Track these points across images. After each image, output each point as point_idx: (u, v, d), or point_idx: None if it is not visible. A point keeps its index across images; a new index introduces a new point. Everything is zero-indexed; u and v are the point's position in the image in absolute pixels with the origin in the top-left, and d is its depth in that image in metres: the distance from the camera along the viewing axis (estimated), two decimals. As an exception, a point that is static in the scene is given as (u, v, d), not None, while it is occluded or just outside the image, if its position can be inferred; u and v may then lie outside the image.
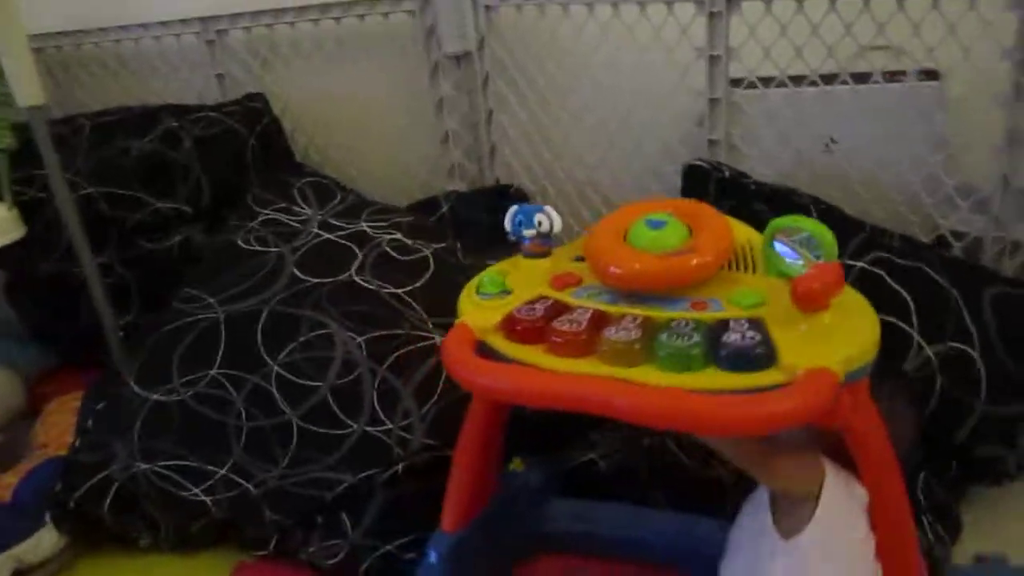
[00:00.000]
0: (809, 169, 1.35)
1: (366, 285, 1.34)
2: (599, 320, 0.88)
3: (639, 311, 0.89)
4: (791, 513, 0.91)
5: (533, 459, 1.31)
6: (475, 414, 1.11)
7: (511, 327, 0.91)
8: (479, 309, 0.95)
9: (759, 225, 0.96)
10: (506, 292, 0.97)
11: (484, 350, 0.91)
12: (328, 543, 1.23)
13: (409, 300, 1.32)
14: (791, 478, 0.91)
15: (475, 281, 1.01)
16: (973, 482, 1.22)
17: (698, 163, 1.32)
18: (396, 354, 1.26)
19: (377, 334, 1.28)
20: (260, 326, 1.30)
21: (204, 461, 1.25)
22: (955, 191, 1.29)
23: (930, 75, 1.30)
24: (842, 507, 0.91)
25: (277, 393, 1.26)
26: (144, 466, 1.26)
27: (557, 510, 1.26)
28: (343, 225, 1.44)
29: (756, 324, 0.84)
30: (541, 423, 1.31)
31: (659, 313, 0.88)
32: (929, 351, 1.17)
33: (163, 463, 1.26)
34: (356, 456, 1.22)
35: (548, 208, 1.01)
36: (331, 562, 1.24)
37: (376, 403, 1.23)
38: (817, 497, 0.90)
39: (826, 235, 0.87)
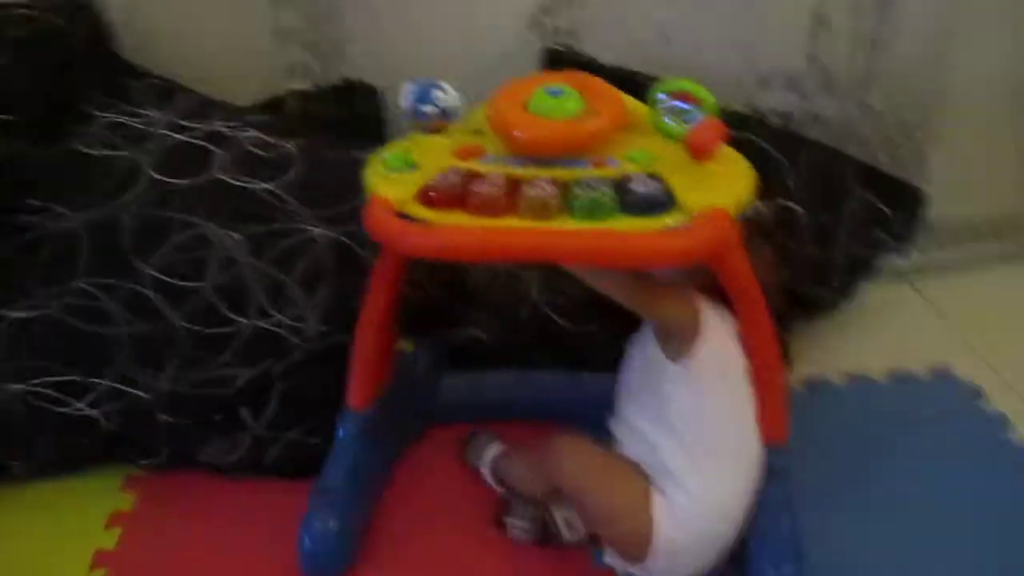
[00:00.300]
0: (645, 56, 1.47)
1: (234, 182, 1.30)
2: (513, 182, 0.95)
3: (547, 172, 0.97)
4: (679, 339, 1.04)
5: (421, 340, 1.38)
6: (377, 291, 1.15)
7: (429, 196, 0.96)
8: (391, 183, 0.99)
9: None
10: (413, 167, 1.01)
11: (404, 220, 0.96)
12: (228, 438, 1.23)
13: (281, 194, 1.31)
14: (673, 308, 1.05)
15: (379, 158, 1.03)
16: (797, 318, 1.44)
17: (556, 47, 1.40)
18: (278, 247, 1.26)
19: (254, 230, 1.26)
20: (126, 231, 1.24)
21: (85, 374, 1.19)
22: (769, 72, 1.48)
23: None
24: (721, 328, 1.06)
25: (155, 297, 1.22)
26: (16, 387, 1.18)
27: (449, 383, 1.34)
28: (195, 126, 1.37)
29: (654, 176, 0.95)
30: (424, 306, 1.38)
31: (566, 173, 0.97)
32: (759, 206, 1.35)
33: (36, 381, 1.18)
34: (250, 351, 1.21)
35: (444, 83, 1.05)
36: (231, 458, 1.24)
37: (263, 297, 1.23)
38: (698, 324, 1.04)
39: (707, 95, 0.99)
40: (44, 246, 1.24)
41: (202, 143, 1.34)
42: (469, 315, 1.36)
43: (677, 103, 1.00)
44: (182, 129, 1.36)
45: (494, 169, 0.98)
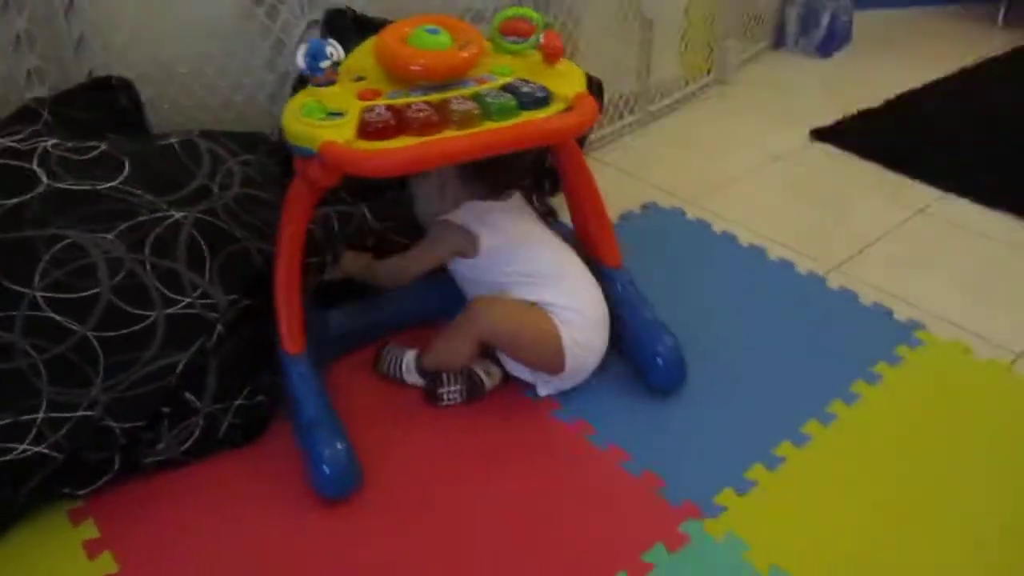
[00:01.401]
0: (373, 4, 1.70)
1: (76, 188, 1.25)
2: (436, 105, 1.16)
3: (448, 94, 1.20)
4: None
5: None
6: (293, 237, 1.27)
7: (369, 131, 1.13)
8: (328, 129, 1.13)
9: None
10: (337, 114, 1.15)
11: (357, 155, 1.12)
12: (180, 427, 1.24)
13: (130, 189, 1.29)
14: (446, 249, 1.42)
15: (296, 112, 1.15)
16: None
17: (341, 8, 1.57)
18: (151, 237, 1.26)
19: (123, 226, 1.25)
20: (-14, 262, 1.15)
21: (17, 414, 1.11)
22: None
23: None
24: (491, 216, 1.41)
25: (56, 316, 1.16)
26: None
27: (338, 317, 1.48)
28: (-19, 147, 1.27)
29: (527, 80, 1.24)
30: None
31: (465, 91, 1.20)
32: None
33: (-38, 438, 1.07)
34: (173, 338, 1.23)
35: (331, 40, 1.19)
36: (186, 446, 1.26)
37: (161, 286, 1.24)
38: (471, 239, 1.39)
39: (534, 13, 1.30)
40: None
41: (11, 161, 1.27)
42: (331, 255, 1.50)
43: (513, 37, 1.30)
44: (-28, 152, 1.26)
45: (406, 100, 1.18)
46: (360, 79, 1.24)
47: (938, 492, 1.25)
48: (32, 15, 1.45)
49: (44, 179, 1.26)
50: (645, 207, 1.94)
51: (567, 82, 1.25)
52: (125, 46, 1.55)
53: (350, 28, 1.56)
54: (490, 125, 1.16)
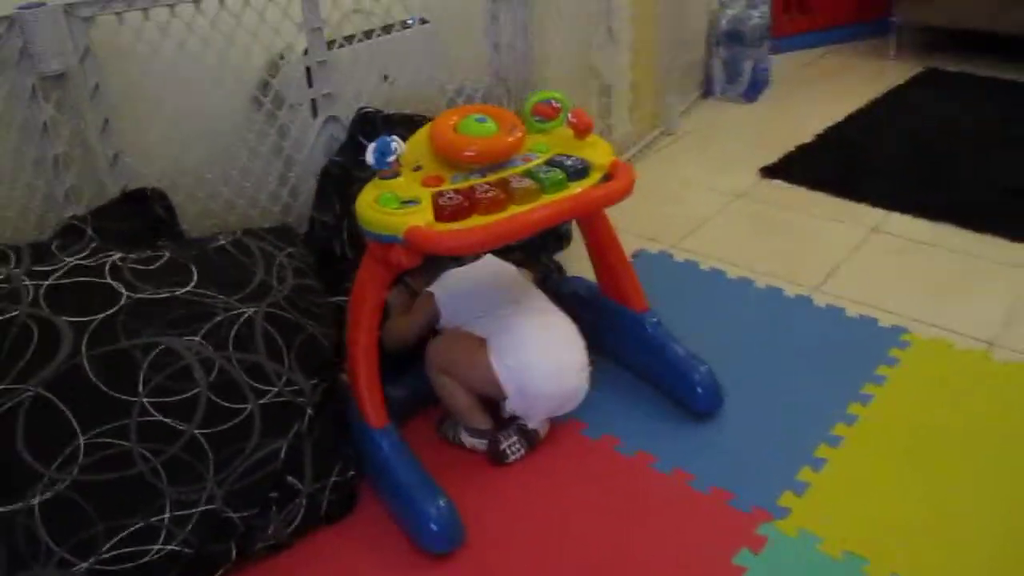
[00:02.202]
0: (376, 96, 1.82)
1: (157, 296, 1.33)
2: (498, 185, 1.30)
3: (506, 173, 1.34)
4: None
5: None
6: (370, 316, 1.38)
7: (447, 213, 1.25)
8: (407, 215, 1.25)
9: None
10: (412, 202, 1.27)
11: (439, 237, 1.24)
12: (286, 510, 1.31)
13: (203, 291, 1.37)
14: (423, 320, 1.59)
15: (372, 203, 1.27)
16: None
17: (367, 110, 1.69)
18: (232, 334, 1.34)
19: (207, 327, 1.32)
20: (91, 377, 1.21)
21: (144, 518, 1.16)
22: (458, 91, 1.96)
23: (424, 22, 1.90)
24: (450, 287, 1.59)
25: (165, 419, 1.23)
26: (84, 565, 1.10)
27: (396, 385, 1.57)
28: (52, 268, 1.33)
29: (566, 154, 1.39)
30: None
31: (516, 170, 1.35)
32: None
33: (105, 549, 1.12)
34: (271, 426, 1.30)
35: (394, 136, 1.32)
36: (292, 527, 1.32)
37: (250, 380, 1.32)
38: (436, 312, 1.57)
39: (560, 95, 1.45)
40: (10, 424, 1.15)
41: (83, 279, 1.34)
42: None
43: (539, 116, 1.46)
44: (45, 276, 1.32)
45: (475, 181, 1.31)
46: (418, 168, 1.37)
47: (969, 457, 1.45)
48: (69, 138, 1.53)
49: (124, 291, 1.33)
50: (636, 256, 2.11)
51: (599, 152, 1.41)
52: (154, 158, 1.63)
53: (378, 126, 1.70)
54: (546, 198, 1.31)
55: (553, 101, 1.46)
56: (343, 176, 1.75)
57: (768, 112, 3.01)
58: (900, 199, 2.30)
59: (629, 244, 2.14)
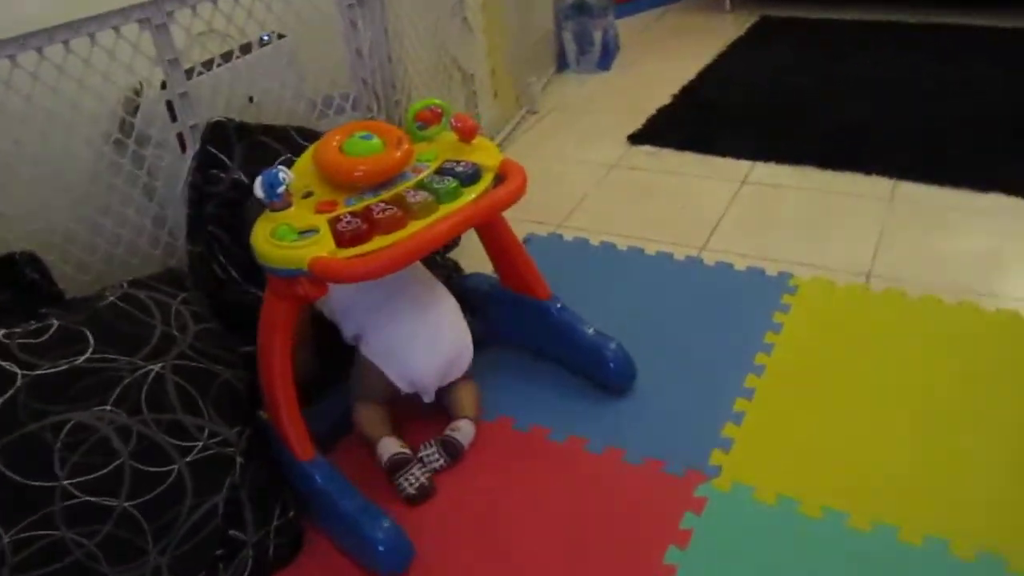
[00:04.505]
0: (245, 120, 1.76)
1: (55, 370, 1.25)
2: (391, 203, 1.29)
3: (399, 188, 1.33)
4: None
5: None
6: (282, 349, 1.35)
7: (348, 238, 1.23)
8: (310, 246, 1.22)
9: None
10: (310, 232, 1.25)
11: (345, 265, 1.22)
12: (233, 564, 1.27)
13: (103, 356, 1.29)
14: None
15: (268, 238, 1.24)
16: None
17: (218, 119, 1.62)
18: (143, 396, 1.28)
19: (116, 393, 1.25)
20: (4, 469, 1.13)
21: (86, 601, 1.10)
22: (326, 102, 1.92)
23: (281, 36, 1.84)
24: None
25: (91, 498, 1.16)
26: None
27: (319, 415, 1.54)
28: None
29: (456, 160, 1.39)
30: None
31: (408, 184, 1.34)
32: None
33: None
34: (202, 483, 1.25)
35: (282, 167, 1.28)
36: (240, 580, 1.29)
37: (171, 439, 1.26)
38: None
39: (442, 102, 1.45)
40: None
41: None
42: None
43: (421, 122, 1.45)
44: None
45: (365, 204, 1.29)
46: (308, 195, 1.34)
47: (869, 385, 1.57)
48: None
49: (17, 370, 1.24)
50: (527, 241, 2.14)
51: (487, 154, 1.42)
52: (16, 220, 1.53)
53: (231, 137, 1.63)
54: (445, 208, 1.31)
55: (434, 107, 1.45)
56: (198, 197, 1.66)
57: (623, 79, 3.10)
58: (760, 149, 2.43)
59: (518, 229, 2.14)
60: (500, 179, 1.39)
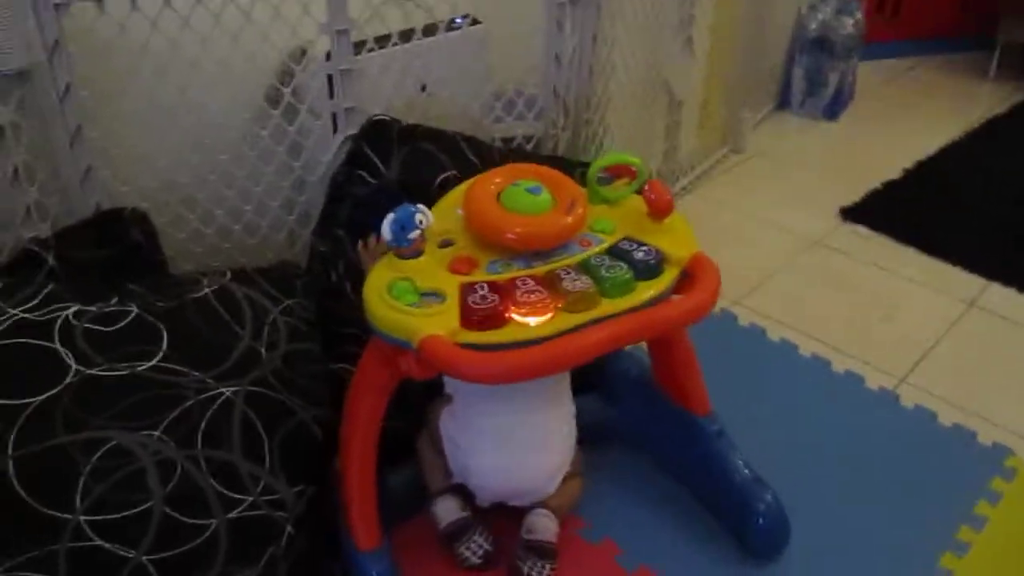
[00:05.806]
0: (411, 110, 1.53)
1: (111, 374, 1.07)
2: (547, 279, 1.02)
3: (554, 264, 1.06)
4: None
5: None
6: (367, 432, 1.11)
7: (477, 319, 0.98)
8: (428, 318, 0.97)
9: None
10: (434, 295, 1.00)
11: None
12: (247, 653, 1.07)
13: (171, 366, 1.11)
14: None
15: (382, 292, 1.00)
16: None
17: (381, 117, 1.41)
18: (203, 425, 1.09)
19: (171, 416, 1.07)
20: (17, 487, 0.96)
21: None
22: (506, 105, 1.66)
23: (476, 22, 1.59)
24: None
25: (105, 544, 0.98)
26: None
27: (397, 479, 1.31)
28: (-11, 324, 1.07)
29: (634, 239, 1.10)
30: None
31: (570, 259, 1.07)
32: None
33: None
34: (238, 550, 1.05)
35: (421, 206, 1.04)
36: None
37: (218, 485, 1.07)
38: None
39: (636, 160, 1.16)
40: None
41: (25, 341, 1.08)
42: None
43: (607, 175, 1.16)
44: (-23, 334, 1.06)
45: (508, 275, 1.03)
46: (447, 244, 1.09)
47: None
48: (32, 146, 1.26)
49: (72, 363, 1.07)
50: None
51: (678, 241, 1.12)
52: (135, 173, 1.36)
53: (392, 139, 1.40)
54: (608, 304, 1.02)
55: (628, 165, 1.16)
56: (338, 195, 1.46)
57: (850, 134, 2.67)
58: (1002, 265, 1.99)
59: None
60: (685, 275, 1.09)
